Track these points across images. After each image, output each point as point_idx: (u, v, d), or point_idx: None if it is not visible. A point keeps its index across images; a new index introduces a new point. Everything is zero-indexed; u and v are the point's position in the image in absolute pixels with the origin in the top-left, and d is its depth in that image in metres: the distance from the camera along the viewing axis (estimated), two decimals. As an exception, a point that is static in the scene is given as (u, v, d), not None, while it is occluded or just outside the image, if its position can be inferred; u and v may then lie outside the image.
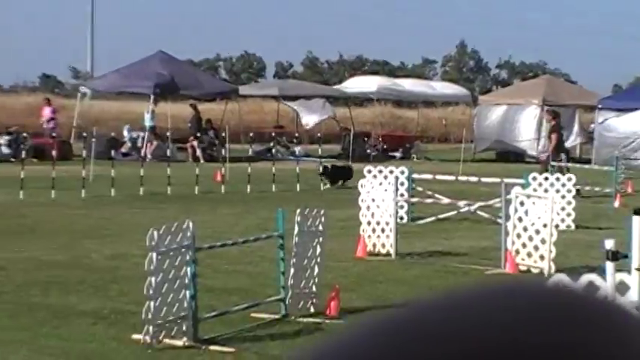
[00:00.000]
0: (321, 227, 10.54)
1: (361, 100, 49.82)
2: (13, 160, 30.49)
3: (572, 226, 17.84)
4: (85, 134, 25.41)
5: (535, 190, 16.08)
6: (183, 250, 8.90)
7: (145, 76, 34.96)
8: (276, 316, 9.92)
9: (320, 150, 27.01)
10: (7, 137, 32.98)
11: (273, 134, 32.57)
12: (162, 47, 38.39)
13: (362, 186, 14.99)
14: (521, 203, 13.27)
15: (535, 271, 12.95)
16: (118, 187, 21.54)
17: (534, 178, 17.76)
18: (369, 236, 14.47)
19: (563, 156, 23.79)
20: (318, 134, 29.17)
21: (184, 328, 8.87)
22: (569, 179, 18.25)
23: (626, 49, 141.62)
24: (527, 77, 72.48)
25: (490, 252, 14.08)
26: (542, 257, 12.89)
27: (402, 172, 17.98)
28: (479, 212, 17.42)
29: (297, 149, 35.47)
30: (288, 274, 10.06)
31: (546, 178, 18.03)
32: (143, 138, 34.80)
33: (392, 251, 14.25)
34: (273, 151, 31.25)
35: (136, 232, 14.20)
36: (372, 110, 48.16)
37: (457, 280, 12.09)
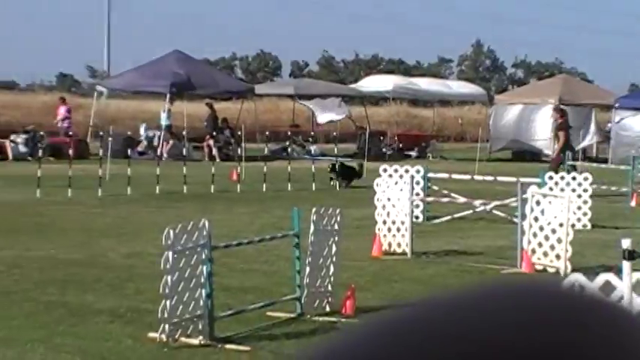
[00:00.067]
0: (336, 226, 10.54)
1: (377, 99, 49.78)
2: (29, 158, 30.61)
3: (589, 226, 17.79)
4: (101, 133, 25.49)
5: (551, 189, 16.05)
6: (199, 248, 8.92)
7: (161, 75, 35.03)
8: (292, 315, 9.93)
9: (336, 149, 26.99)
10: (24, 136, 33.10)
11: (289, 133, 32.59)
12: (179, 46, 38.61)
13: (378, 185, 14.98)
14: (538, 202, 13.24)
15: (551, 270, 12.92)
16: (134, 186, 21.59)
17: (550, 177, 17.72)
18: (385, 235, 14.47)
19: (569, 154, 23.69)
20: (334, 133, 29.15)
21: (200, 326, 8.89)
22: (586, 178, 18.19)
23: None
24: (544, 76, 72.30)
25: (506, 251, 14.05)
26: (558, 257, 12.86)
27: (418, 171, 17.96)
28: (495, 211, 17.39)
29: (313, 148, 35.48)
30: (304, 273, 10.07)
31: (562, 177, 17.99)
32: (159, 137, 34.87)
33: (407, 250, 14.24)
34: (289, 150, 31.28)
35: (152, 230, 14.24)
36: (387, 109, 48.11)
37: (473, 280, 12.08)
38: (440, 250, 14.56)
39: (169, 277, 8.60)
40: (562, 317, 0.74)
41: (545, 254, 13.02)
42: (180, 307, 8.72)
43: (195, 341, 8.82)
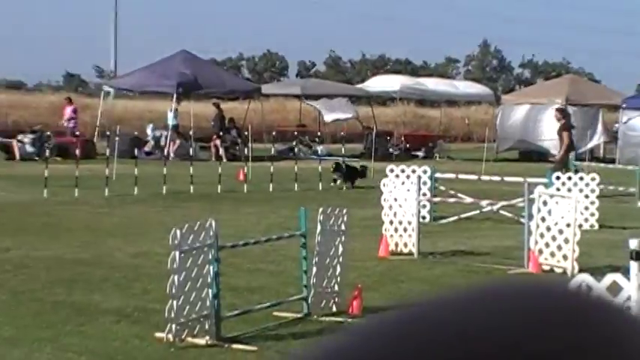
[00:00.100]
0: (343, 226, 10.54)
1: (384, 99, 49.77)
2: (37, 158, 30.65)
3: (596, 226, 17.77)
4: (108, 133, 25.53)
5: (558, 189, 16.02)
6: (205, 248, 8.92)
7: (168, 75, 35.06)
8: (299, 315, 9.93)
9: (343, 149, 26.99)
10: (31, 136, 33.13)
11: (296, 133, 32.61)
12: (186, 46, 38.62)
13: (384, 185, 14.98)
14: (545, 203, 13.23)
15: (558, 271, 12.90)
16: (141, 186, 21.61)
17: (557, 178, 17.70)
18: (392, 235, 14.46)
19: (571, 155, 23.61)
20: (342, 133, 29.15)
21: (207, 326, 8.89)
22: (593, 179, 18.17)
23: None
24: (551, 77, 72.22)
25: (513, 251, 14.04)
26: (565, 257, 12.84)
27: (425, 172, 17.95)
28: (502, 212, 17.38)
29: (320, 148, 35.47)
30: (311, 273, 10.07)
31: (569, 178, 17.97)
32: (166, 137, 34.90)
33: (414, 250, 14.23)
34: (296, 150, 31.28)
35: (159, 230, 14.26)
36: (394, 109, 48.11)
37: (479, 280, 12.06)
38: (447, 251, 14.55)
39: (176, 277, 8.60)
40: (563, 319, 0.73)
41: (553, 255, 13.00)
42: (187, 307, 8.72)
43: (201, 341, 8.83)
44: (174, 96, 35.32)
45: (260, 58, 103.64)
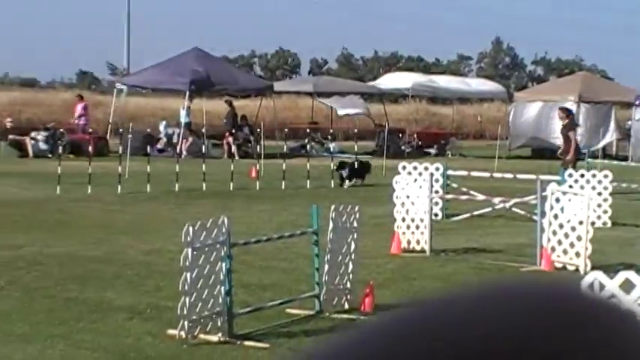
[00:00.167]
0: (355, 224, 10.54)
1: (396, 96, 49.72)
2: (50, 155, 30.74)
3: (609, 223, 17.72)
4: (121, 130, 25.59)
5: (571, 186, 15.99)
6: (218, 246, 8.93)
7: (180, 72, 35.09)
8: (311, 312, 9.94)
9: (356, 146, 26.98)
10: (44, 133, 33.22)
11: (308, 130, 32.58)
12: (198, 44, 38.56)
13: (397, 182, 14.97)
14: (557, 200, 13.20)
15: (571, 268, 12.88)
16: (154, 183, 21.65)
17: (570, 175, 17.66)
18: (404, 233, 14.45)
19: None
20: (355, 130, 29.13)
21: (219, 323, 8.91)
22: (606, 176, 18.13)
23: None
24: (563, 74, 72.03)
25: (525, 249, 14.02)
26: (577, 254, 12.82)
27: (437, 169, 17.95)
28: (514, 209, 17.34)
29: (332, 145, 35.46)
30: (323, 271, 10.07)
31: (582, 175, 17.93)
32: (179, 134, 34.94)
33: (426, 248, 14.22)
34: (308, 147, 31.24)
35: (171, 228, 14.28)
36: (406, 107, 48.08)
37: (489, 279, 12.04)
38: (459, 248, 14.54)
39: (188, 274, 8.62)
40: (570, 320, 0.74)
41: (565, 252, 12.98)
42: (200, 304, 8.74)
43: (214, 338, 8.84)
44: (187, 93, 35.36)
45: (272, 55, 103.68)
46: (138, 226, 16.20)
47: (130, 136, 25.08)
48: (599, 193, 17.68)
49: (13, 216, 16.94)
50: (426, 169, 17.32)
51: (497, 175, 18.59)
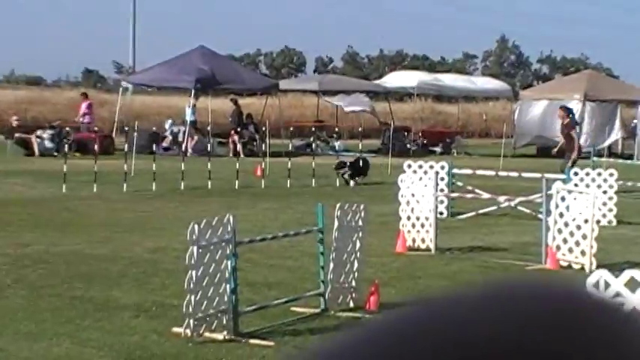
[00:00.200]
0: (360, 222, 10.55)
1: (401, 95, 49.69)
2: (56, 154, 30.78)
3: (614, 222, 17.71)
4: (126, 128, 25.58)
5: (576, 185, 15.98)
6: (223, 244, 8.95)
7: (186, 70, 35.11)
8: (316, 311, 9.95)
9: (360, 145, 26.97)
10: (50, 132, 33.25)
11: (313, 129, 32.60)
12: (204, 42, 38.58)
13: (402, 181, 14.97)
14: (563, 198, 13.20)
15: (576, 267, 12.88)
16: (159, 182, 21.67)
17: (576, 174, 17.65)
18: (409, 231, 14.46)
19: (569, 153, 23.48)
20: (360, 129, 29.12)
21: (225, 321, 8.92)
22: (611, 174, 18.11)
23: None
24: (569, 72, 71.98)
25: (531, 247, 14.02)
26: (583, 253, 12.82)
27: (442, 167, 17.95)
28: (519, 207, 17.34)
29: (337, 144, 35.47)
30: (328, 269, 10.08)
31: (587, 174, 17.91)
32: (184, 132, 34.97)
33: (432, 246, 14.22)
34: (313, 145, 31.24)
35: (176, 225, 14.30)
36: (412, 105, 48.02)
37: (490, 278, 12.04)
38: (464, 246, 14.54)
39: (194, 272, 8.63)
40: (569, 321, 0.74)
41: (571, 250, 12.98)
42: (205, 302, 8.75)
43: (219, 336, 8.86)
44: (192, 92, 35.38)
45: (278, 53, 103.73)
46: (143, 224, 16.22)
47: (135, 134, 25.08)
48: (605, 192, 17.67)
49: (19, 214, 16.97)
50: (432, 167, 17.33)
51: (502, 173, 18.60)
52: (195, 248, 8.63)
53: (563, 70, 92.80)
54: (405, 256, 13.68)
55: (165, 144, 34.46)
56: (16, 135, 33.18)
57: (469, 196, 17.02)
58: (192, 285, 8.63)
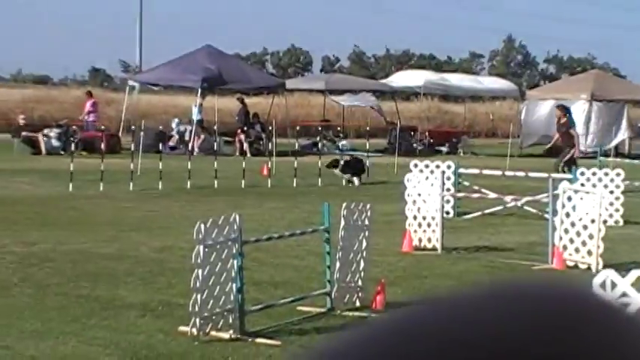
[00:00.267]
0: (367, 221, 10.55)
1: (408, 94, 49.70)
2: (62, 153, 30.83)
3: (621, 222, 17.69)
4: (133, 128, 25.61)
5: (583, 185, 15.96)
6: (229, 243, 8.95)
7: (192, 69, 35.13)
8: (322, 310, 9.95)
9: (367, 144, 26.97)
10: (57, 130, 33.31)
11: (320, 128, 32.61)
12: (210, 41, 38.60)
13: (408, 180, 14.97)
14: (569, 198, 13.18)
15: (583, 267, 12.86)
16: (166, 181, 21.69)
17: (582, 173, 17.63)
18: (415, 231, 14.45)
19: (564, 153, 23.46)
20: (367, 128, 29.12)
21: (231, 320, 8.92)
22: (618, 174, 18.09)
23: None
24: (576, 72, 71.90)
25: (537, 247, 14.01)
26: (589, 253, 12.80)
27: (449, 167, 17.94)
28: (526, 207, 17.32)
29: (343, 143, 35.48)
30: (334, 268, 10.08)
31: (594, 173, 17.89)
32: (191, 132, 34.99)
33: (438, 246, 14.22)
34: (320, 145, 31.26)
35: (183, 225, 14.31)
36: (418, 105, 48.01)
37: (494, 279, 12.03)
38: (470, 246, 14.53)
39: (200, 271, 8.64)
40: (572, 323, 0.74)
41: (577, 250, 12.96)
42: (211, 301, 8.76)
43: (225, 335, 8.86)
44: (199, 91, 35.40)
45: (284, 53, 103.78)
46: (150, 223, 16.24)
47: (142, 133, 25.10)
48: (611, 192, 17.64)
49: (25, 213, 17.00)
50: (438, 167, 17.32)
51: (509, 173, 18.58)
52: (201, 247, 8.63)
53: (570, 70, 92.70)
54: (412, 256, 13.68)
55: (171, 143, 34.48)
56: (23, 134, 33.24)
57: (475, 195, 17.01)
58: (198, 284, 8.64)
